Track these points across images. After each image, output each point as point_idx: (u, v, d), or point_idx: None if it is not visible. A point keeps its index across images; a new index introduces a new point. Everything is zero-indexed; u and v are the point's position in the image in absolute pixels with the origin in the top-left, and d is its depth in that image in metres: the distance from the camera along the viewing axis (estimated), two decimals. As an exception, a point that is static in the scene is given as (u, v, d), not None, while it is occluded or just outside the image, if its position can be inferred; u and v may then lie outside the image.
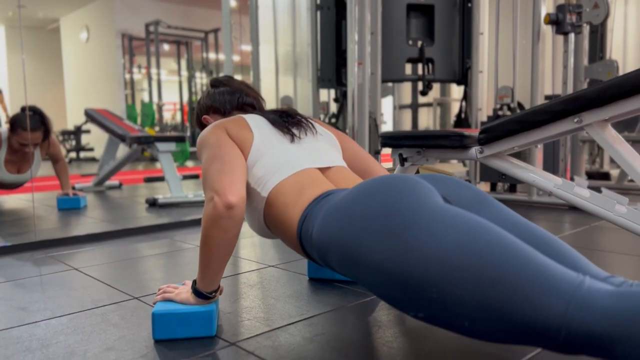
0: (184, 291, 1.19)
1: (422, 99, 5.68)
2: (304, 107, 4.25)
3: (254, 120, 1.31)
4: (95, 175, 4.48)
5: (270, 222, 1.21)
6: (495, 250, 0.79)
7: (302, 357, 1.03)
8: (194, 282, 1.16)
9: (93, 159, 10.04)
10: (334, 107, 4.50)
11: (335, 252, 0.97)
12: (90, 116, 4.39)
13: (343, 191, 1.08)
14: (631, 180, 3.87)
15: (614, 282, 0.82)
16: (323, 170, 1.25)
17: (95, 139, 10.00)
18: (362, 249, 0.90)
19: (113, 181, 4.58)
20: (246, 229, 2.50)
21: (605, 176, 4.38)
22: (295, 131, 1.32)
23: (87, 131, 9.89)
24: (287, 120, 1.34)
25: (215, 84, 1.53)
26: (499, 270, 0.77)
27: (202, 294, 1.14)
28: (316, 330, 1.17)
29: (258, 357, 1.03)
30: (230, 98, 1.46)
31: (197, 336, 1.14)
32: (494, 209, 1.02)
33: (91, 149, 10.08)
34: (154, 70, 9.90)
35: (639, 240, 2.09)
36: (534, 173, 1.68)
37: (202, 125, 1.49)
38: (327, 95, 4.53)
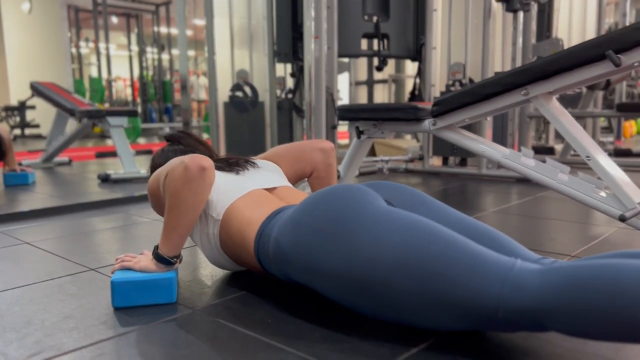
0: (143, 259, 1.19)
1: (377, 76, 5.74)
2: (260, 81, 4.22)
3: None
4: (43, 151, 4.33)
5: (226, 247, 1.23)
6: (435, 245, 0.87)
7: (263, 320, 1.06)
8: (156, 247, 1.17)
9: (39, 136, 9.65)
10: (290, 82, 4.48)
11: (291, 265, 1.03)
12: (37, 90, 4.22)
13: (292, 207, 1.14)
14: (574, 154, 4.06)
15: (544, 262, 0.91)
16: (270, 190, 1.31)
17: (41, 114, 9.61)
18: (315, 258, 0.97)
19: (62, 157, 4.44)
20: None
21: (550, 151, 4.58)
22: (237, 168, 1.36)
23: (32, 107, 9.48)
24: (229, 162, 1.38)
25: (169, 139, 1.53)
26: (438, 263, 0.86)
27: (165, 258, 1.15)
28: (276, 295, 1.20)
29: (219, 321, 1.06)
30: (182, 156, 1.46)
31: (157, 303, 1.15)
32: (433, 207, 1.11)
33: (37, 126, 9.68)
34: (102, 44, 9.55)
35: (579, 208, 2.21)
36: (483, 144, 1.75)
37: None
38: (283, 69, 4.51)
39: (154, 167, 1.49)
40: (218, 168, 1.35)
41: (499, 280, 0.81)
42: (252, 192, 1.24)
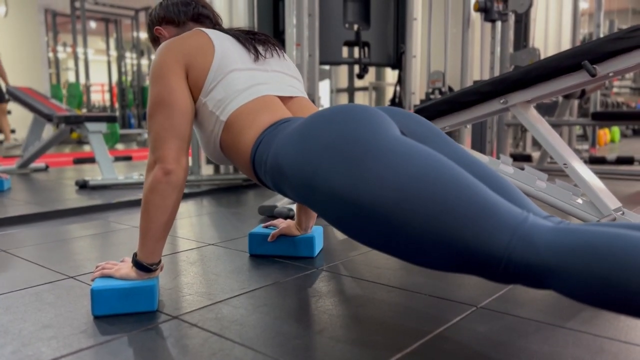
0: (123, 267, 1.18)
1: (358, 83, 5.77)
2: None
3: (216, 37, 1.25)
4: (19, 157, 4.25)
5: (225, 146, 1.21)
6: (447, 183, 0.84)
7: (246, 327, 1.05)
8: (135, 254, 1.16)
9: (14, 141, 9.46)
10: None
11: (291, 178, 0.98)
12: (13, 95, 4.14)
13: (300, 119, 1.08)
14: (551, 162, 4.13)
15: (554, 220, 0.87)
16: (284, 99, 1.25)
17: (17, 120, 9.43)
18: (319, 175, 0.92)
19: (39, 163, 4.36)
20: (181, 208, 2.47)
21: (528, 158, 4.65)
22: (260, 49, 1.29)
23: (8, 112, 9.29)
24: (252, 37, 1.31)
25: None
26: (448, 201, 0.82)
27: (143, 265, 1.14)
28: (258, 302, 1.20)
29: (201, 329, 1.05)
30: (185, 9, 1.39)
31: (138, 311, 1.14)
32: (446, 145, 1.06)
33: (12, 131, 9.48)
34: (80, 49, 9.43)
35: (557, 214, 2.25)
36: (463, 151, 1.77)
37: (155, 39, 1.43)
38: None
39: (151, 22, 1.41)
40: (238, 39, 1.27)
41: (510, 230, 0.79)
42: (263, 97, 1.18)
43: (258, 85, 1.21)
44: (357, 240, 0.93)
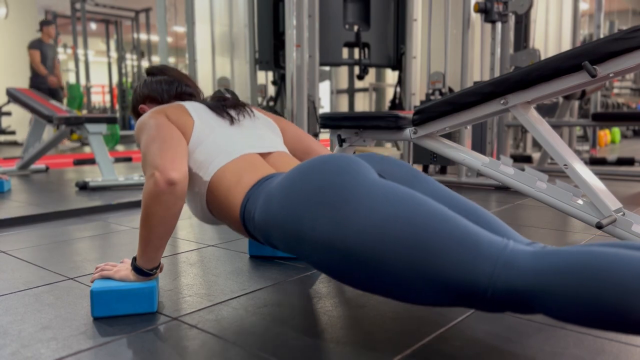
0: (123, 269, 1.17)
1: (358, 84, 5.77)
2: (241, 89, 4.21)
3: (193, 107, 1.32)
4: (19, 158, 4.25)
5: (213, 207, 1.22)
6: (427, 219, 0.86)
7: (245, 328, 1.05)
8: (134, 259, 1.15)
9: (15, 143, 9.47)
10: (272, 90, 4.49)
11: (278, 230, 1.00)
12: (13, 96, 4.14)
13: (283, 174, 1.11)
14: (551, 163, 4.13)
15: (537, 246, 0.89)
16: (264, 155, 1.28)
17: (17, 121, 9.42)
18: (303, 225, 0.94)
19: (39, 165, 4.36)
20: (185, 209, 2.47)
21: (528, 159, 4.65)
22: (233, 113, 1.34)
23: (8, 113, 9.30)
24: (224, 104, 1.36)
25: (152, 71, 1.50)
26: (430, 237, 0.84)
27: (143, 270, 1.14)
28: (258, 303, 1.20)
29: (200, 330, 1.05)
30: (168, 87, 1.45)
31: (137, 313, 1.13)
32: (425, 183, 1.09)
33: (12, 132, 9.49)
34: (80, 51, 9.43)
35: (557, 215, 2.25)
36: (463, 152, 1.77)
37: (138, 115, 1.47)
38: (264, 77, 4.51)
39: (136, 99, 1.45)
40: (213, 108, 1.31)
41: (492, 259, 0.80)
42: (244, 157, 1.21)
43: (237, 145, 1.24)
44: (350, 285, 0.95)
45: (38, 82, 6.63)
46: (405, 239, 0.85)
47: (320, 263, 0.94)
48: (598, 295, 0.72)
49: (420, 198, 0.90)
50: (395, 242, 0.85)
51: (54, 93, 6.73)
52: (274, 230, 1.01)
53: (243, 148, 1.24)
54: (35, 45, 6.63)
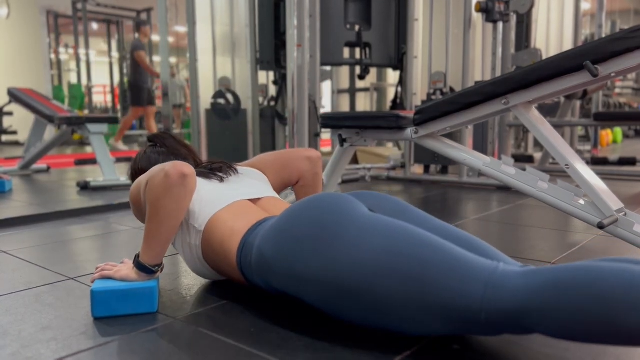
0: (123, 269, 1.17)
1: (359, 84, 5.77)
2: (242, 89, 4.21)
3: None
4: (21, 158, 4.25)
5: (208, 257, 1.22)
6: (417, 249, 0.88)
7: (245, 329, 1.05)
8: (137, 256, 1.15)
9: (17, 143, 9.48)
10: (273, 90, 4.48)
11: (275, 273, 1.02)
12: (15, 96, 4.15)
13: (275, 217, 1.13)
14: (553, 163, 4.12)
15: (526, 269, 0.90)
16: (254, 201, 1.30)
17: (19, 121, 9.44)
18: (298, 266, 0.97)
19: (40, 165, 4.36)
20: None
21: (530, 159, 4.65)
22: (220, 174, 1.35)
23: (10, 113, 9.32)
24: (212, 167, 1.37)
25: (153, 140, 1.51)
26: (421, 266, 0.86)
27: (146, 267, 1.14)
28: (259, 304, 1.19)
29: (201, 331, 1.05)
30: (165, 159, 1.45)
31: (138, 313, 1.13)
32: (415, 215, 1.11)
33: (14, 132, 9.51)
34: (82, 51, 9.45)
35: (559, 215, 2.24)
36: (464, 152, 1.77)
37: None
38: (266, 77, 4.51)
39: (135, 171, 1.46)
40: (200, 174, 1.33)
41: (482, 282, 0.82)
42: (235, 203, 1.23)
43: (228, 194, 1.26)
44: (349, 321, 0.96)
45: (141, 81, 6.64)
46: (397, 270, 0.87)
47: (318, 302, 0.97)
48: (586, 309, 0.73)
49: (410, 229, 0.92)
50: (387, 273, 0.87)
51: (150, 91, 6.78)
52: (271, 274, 1.03)
53: (234, 196, 1.26)
54: (140, 46, 6.62)
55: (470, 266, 0.84)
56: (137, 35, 6.96)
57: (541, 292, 0.77)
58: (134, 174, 1.47)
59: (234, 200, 1.24)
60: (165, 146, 1.48)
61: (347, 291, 0.91)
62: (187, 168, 1.11)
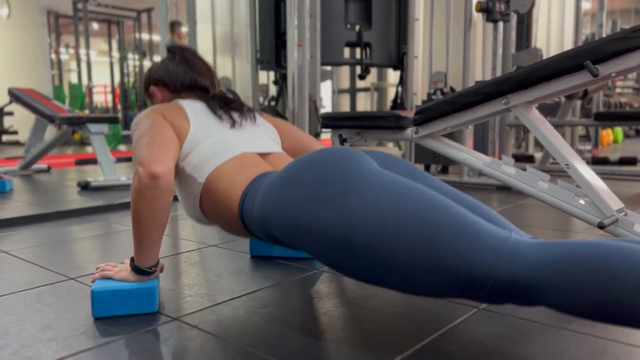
0: (123, 269, 1.17)
1: (360, 84, 5.77)
2: (243, 88, 4.21)
3: (192, 109, 1.31)
4: (21, 158, 4.26)
5: (207, 208, 1.21)
6: (428, 210, 0.85)
7: (245, 329, 1.05)
8: (132, 259, 1.15)
9: (17, 143, 9.49)
10: (273, 90, 4.48)
11: (278, 222, 0.99)
12: (15, 96, 4.15)
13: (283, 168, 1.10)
14: (553, 162, 4.12)
15: (538, 240, 0.88)
16: (262, 155, 1.28)
17: (19, 121, 9.45)
18: (304, 215, 0.93)
19: (41, 165, 4.37)
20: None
21: (530, 159, 4.64)
22: (235, 116, 1.32)
23: (10, 113, 9.32)
24: (228, 106, 1.35)
25: (173, 51, 1.45)
26: (432, 227, 0.83)
27: (141, 269, 1.13)
28: (259, 304, 1.19)
29: (201, 331, 1.05)
30: (184, 76, 1.41)
31: (138, 313, 1.13)
32: (425, 179, 1.08)
33: (15, 132, 9.51)
34: (82, 51, 9.44)
35: (559, 215, 2.24)
36: (465, 152, 1.77)
37: (147, 93, 1.46)
38: (266, 77, 4.51)
39: (149, 78, 1.43)
40: (214, 110, 1.30)
41: (493, 249, 0.80)
42: (241, 155, 1.20)
43: (234, 146, 1.24)
44: (351, 277, 0.94)
45: None
46: (407, 228, 0.84)
47: (321, 254, 0.94)
48: (600, 288, 0.71)
49: (423, 189, 0.89)
50: (396, 231, 0.84)
51: None
52: (273, 222, 1.01)
53: (240, 148, 1.23)
54: None
55: (482, 232, 0.82)
56: (170, 36, 6.93)
57: (554, 266, 0.75)
58: (147, 82, 1.44)
59: (241, 152, 1.21)
60: (184, 59, 1.43)
61: (353, 245, 0.87)
62: (159, 166, 1.07)
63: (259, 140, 1.30)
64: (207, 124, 1.28)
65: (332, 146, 1.01)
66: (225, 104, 1.35)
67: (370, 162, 0.97)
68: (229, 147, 1.22)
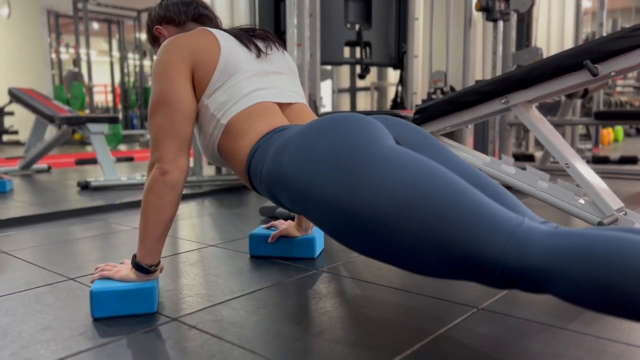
0: (123, 269, 1.17)
1: (359, 83, 5.77)
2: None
3: (221, 36, 1.25)
4: (22, 158, 4.26)
5: (223, 151, 1.22)
6: (441, 189, 0.84)
7: (245, 329, 1.05)
8: (134, 255, 1.15)
9: (18, 143, 9.49)
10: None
11: (286, 187, 0.99)
12: (15, 96, 4.15)
13: (296, 127, 1.08)
14: (553, 162, 4.12)
15: (550, 225, 0.87)
16: (283, 105, 1.26)
17: (20, 121, 9.45)
18: (314, 185, 0.92)
19: (41, 164, 4.37)
20: (182, 209, 2.47)
21: (530, 158, 4.64)
22: (261, 45, 1.30)
23: (11, 113, 9.33)
24: (252, 34, 1.32)
25: None
26: (443, 207, 0.82)
27: (142, 267, 1.13)
28: (258, 304, 1.19)
29: (200, 331, 1.04)
30: (185, 8, 1.39)
31: (137, 313, 1.13)
32: (441, 152, 1.06)
33: (15, 132, 9.52)
34: (83, 50, 9.44)
35: (559, 214, 2.24)
36: (464, 152, 1.77)
37: (154, 38, 1.42)
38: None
39: (151, 21, 1.40)
40: (240, 38, 1.26)
41: (505, 234, 0.79)
42: (261, 104, 1.19)
43: (259, 91, 1.21)
44: (353, 249, 0.93)
45: None
46: (418, 207, 0.82)
47: (327, 224, 0.93)
48: (609, 279, 0.71)
49: (435, 166, 0.88)
50: (407, 208, 0.83)
51: None
52: (281, 186, 1.00)
53: (264, 94, 1.21)
54: None
55: (495, 216, 0.81)
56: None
57: (567, 257, 0.74)
58: (150, 26, 1.41)
59: (263, 100, 1.20)
60: None
61: (362, 219, 0.86)
62: (171, 164, 1.11)
63: (283, 87, 1.27)
64: (236, 54, 1.23)
65: (349, 114, 0.99)
66: (248, 32, 1.31)
67: (385, 136, 0.94)
68: (253, 91, 1.20)
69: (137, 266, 1.14)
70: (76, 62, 9.31)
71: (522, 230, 0.79)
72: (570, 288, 0.74)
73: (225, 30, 1.30)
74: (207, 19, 1.42)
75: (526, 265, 0.77)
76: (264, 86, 1.24)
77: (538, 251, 0.76)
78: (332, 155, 0.92)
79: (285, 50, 1.39)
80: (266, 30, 1.35)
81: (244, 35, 1.29)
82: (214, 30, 1.26)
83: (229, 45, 1.24)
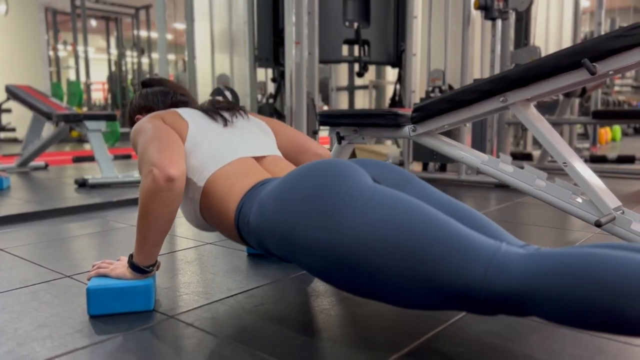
0: (119, 266, 1.17)
1: (358, 81, 5.76)
2: (241, 86, 4.20)
3: (186, 112, 1.33)
4: (19, 155, 4.25)
5: (206, 213, 1.22)
6: (420, 223, 0.85)
7: (242, 327, 1.05)
8: (131, 256, 1.15)
9: (15, 140, 9.47)
10: (271, 87, 4.48)
11: (271, 236, 1.00)
12: (12, 93, 4.14)
13: (277, 179, 1.11)
14: (551, 161, 4.12)
15: (530, 248, 0.89)
16: (258, 159, 1.29)
17: (17, 118, 9.42)
18: (297, 230, 0.94)
19: (38, 162, 4.36)
20: (182, 208, 2.47)
21: (528, 157, 4.64)
22: (226, 115, 1.35)
23: (8, 110, 9.29)
24: (218, 106, 1.38)
25: (147, 83, 1.52)
26: (423, 241, 0.83)
27: (140, 268, 1.13)
28: (255, 302, 1.19)
29: (197, 329, 1.04)
30: (163, 98, 1.47)
31: (134, 311, 1.13)
32: (419, 187, 1.09)
33: (12, 129, 9.49)
34: (80, 48, 9.42)
35: (556, 213, 2.24)
36: (462, 150, 1.76)
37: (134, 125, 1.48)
38: (264, 74, 4.50)
39: (132, 110, 1.48)
40: (207, 112, 1.34)
41: (484, 261, 0.80)
42: (238, 161, 1.21)
43: (231, 150, 1.25)
44: (344, 290, 0.94)
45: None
46: (398, 243, 0.84)
47: (314, 268, 0.95)
48: (590, 297, 0.72)
49: (413, 202, 0.90)
50: (388, 246, 0.85)
51: None
52: (267, 236, 1.02)
53: (237, 152, 1.24)
54: None
55: (473, 244, 0.82)
56: None
57: (544, 277, 0.75)
58: (132, 115, 1.49)
59: (237, 157, 1.22)
60: (159, 82, 1.49)
61: (344, 260, 0.88)
62: (175, 169, 1.08)
63: (255, 142, 1.31)
64: (202, 125, 1.30)
65: (326, 160, 1.02)
66: (214, 105, 1.39)
67: (362, 176, 0.97)
68: (226, 151, 1.23)
69: (134, 267, 1.14)
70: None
71: (500, 256, 0.81)
72: (552, 308, 0.75)
73: (194, 106, 1.40)
74: (183, 104, 1.50)
75: (507, 289, 0.78)
76: (236, 145, 1.28)
77: (517, 275, 0.78)
78: (311, 200, 0.94)
79: (251, 117, 1.45)
80: (230, 102, 1.42)
81: (210, 108, 1.36)
82: (179, 110, 1.35)
83: (195, 120, 1.31)
